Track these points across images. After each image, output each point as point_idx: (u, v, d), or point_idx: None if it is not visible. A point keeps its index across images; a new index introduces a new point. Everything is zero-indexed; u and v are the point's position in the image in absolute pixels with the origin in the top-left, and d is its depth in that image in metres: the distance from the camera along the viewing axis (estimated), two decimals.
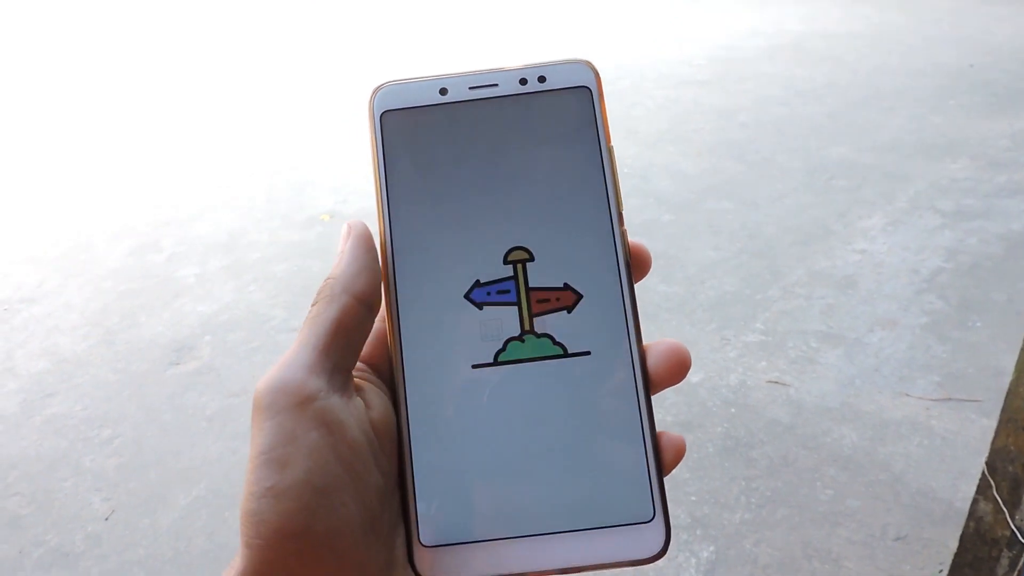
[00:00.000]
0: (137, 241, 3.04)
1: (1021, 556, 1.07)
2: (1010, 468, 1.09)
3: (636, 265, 0.30)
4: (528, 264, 0.29)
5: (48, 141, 4.18)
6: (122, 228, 3.15)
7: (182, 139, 4.04)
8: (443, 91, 0.31)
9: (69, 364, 2.35)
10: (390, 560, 0.27)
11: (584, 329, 0.29)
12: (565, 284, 0.29)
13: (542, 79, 0.31)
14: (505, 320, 0.29)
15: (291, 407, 0.25)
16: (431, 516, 0.28)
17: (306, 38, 5.68)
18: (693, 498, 1.68)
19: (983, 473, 1.15)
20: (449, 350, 0.29)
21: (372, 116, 0.32)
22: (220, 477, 1.88)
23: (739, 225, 2.70)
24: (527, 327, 0.29)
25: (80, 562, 1.70)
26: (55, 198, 3.47)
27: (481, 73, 0.32)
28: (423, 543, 0.28)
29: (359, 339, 0.28)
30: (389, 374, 0.30)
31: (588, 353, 0.29)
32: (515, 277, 0.29)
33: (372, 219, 0.32)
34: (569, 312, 0.29)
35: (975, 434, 1.74)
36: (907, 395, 1.88)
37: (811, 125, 3.43)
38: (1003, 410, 1.09)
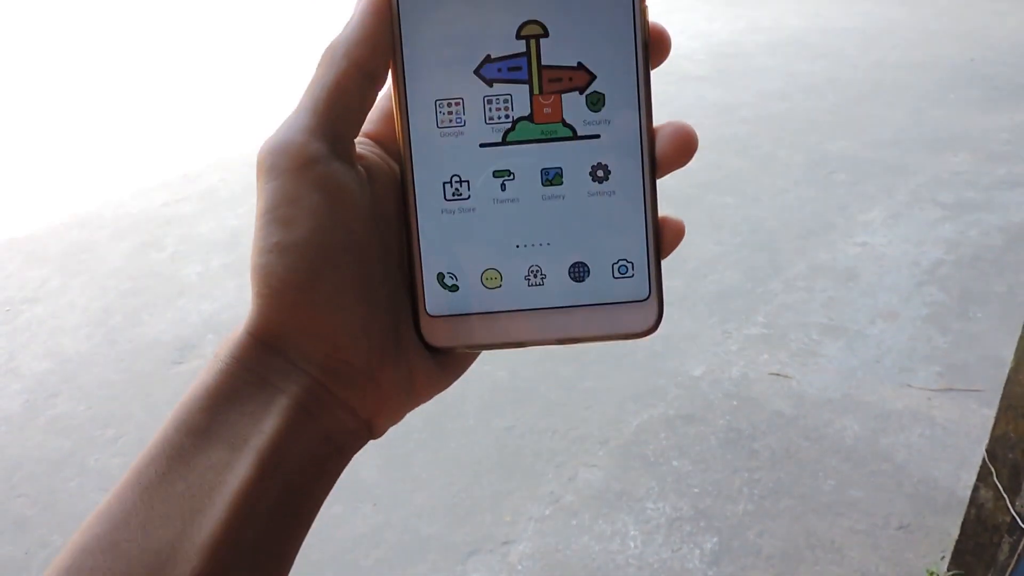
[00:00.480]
0: (140, 239, 3.05)
1: (1021, 541, 1.07)
2: (1010, 455, 1.10)
3: (656, 48, 0.29)
4: (542, 40, 0.28)
5: (50, 139, 4.19)
6: (125, 227, 3.16)
7: (185, 137, 4.04)
8: None
9: (72, 364, 2.35)
10: (384, 329, 0.28)
11: (595, 112, 0.28)
12: (579, 63, 0.28)
13: None
14: (516, 98, 0.28)
15: (294, 169, 0.26)
16: (436, 287, 0.28)
17: (311, 35, 5.68)
18: (696, 490, 1.69)
19: (984, 460, 1.16)
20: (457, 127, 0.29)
21: None
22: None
23: (740, 219, 2.71)
24: (538, 106, 0.28)
25: None
26: (57, 197, 3.47)
27: None
28: (429, 312, 0.28)
29: (360, 106, 0.28)
30: (396, 148, 0.29)
31: (597, 136, 0.29)
32: (527, 53, 0.28)
33: None
34: (581, 93, 0.28)
35: (976, 423, 1.74)
36: (908, 386, 1.89)
37: (812, 119, 3.43)
38: (1003, 397, 1.09)
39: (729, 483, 1.70)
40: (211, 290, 2.66)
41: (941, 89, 3.57)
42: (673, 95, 3.83)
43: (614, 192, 0.29)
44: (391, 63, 0.28)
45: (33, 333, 2.53)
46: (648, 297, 0.29)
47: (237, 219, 3.14)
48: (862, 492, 1.62)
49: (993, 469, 1.12)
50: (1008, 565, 1.09)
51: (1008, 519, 1.10)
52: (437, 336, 0.28)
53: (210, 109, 4.45)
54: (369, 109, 0.28)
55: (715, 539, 1.58)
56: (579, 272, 0.29)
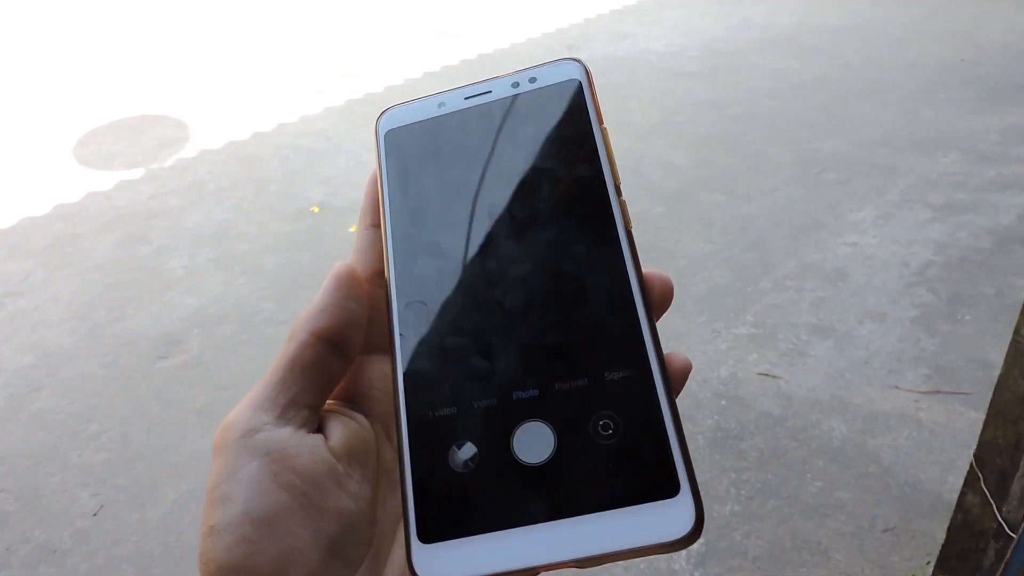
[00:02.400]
0: (125, 233, 3.01)
1: (1008, 548, 1.07)
2: (998, 461, 1.10)
3: (659, 300, 0.29)
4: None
5: (33, 130, 4.13)
6: (110, 220, 3.12)
7: (169, 128, 4.00)
8: (441, 105, 0.33)
9: (56, 358, 2.33)
10: None
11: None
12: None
13: (533, 80, 0.33)
14: None
15: (234, 441, 0.25)
16: (426, 513, 0.26)
17: (298, 29, 5.64)
18: None
19: (971, 466, 1.15)
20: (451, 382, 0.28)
21: (377, 138, 0.34)
22: (209, 471, 1.87)
23: (730, 218, 2.70)
24: None
25: (68, 559, 1.69)
26: (41, 189, 3.43)
27: (476, 83, 0.33)
28: (420, 541, 0.25)
29: (320, 375, 0.28)
30: (392, 409, 0.29)
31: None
32: None
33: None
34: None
35: (963, 426, 1.75)
36: (896, 388, 1.89)
37: (803, 118, 3.43)
38: (992, 403, 1.09)
39: (716, 483, 1.70)
40: (197, 284, 2.64)
41: (932, 89, 3.57)
42: (664, 92, 3.82)
43: (623, 382, 0.27)
44: (386, 304, 0.30)
45: (16, 327, 2.50)
46: (679, 492, 0.24)
47: (224, 213, 3.11)
48: (849, 494, 1.62)
49: (981, 475, 1.12)
50: (994, 571, 1.09)
51: (995, 525, 1.09)
52: (432, 567, 0.25)
53: (197, 101, 4.41)
54: (339, 376, 0.29)
55: (702, 540, 1.57)
56: (590, 475, 0.26)
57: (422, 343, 0.29)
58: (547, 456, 0.26)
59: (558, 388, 0.27)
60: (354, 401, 0.30)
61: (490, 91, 0.33)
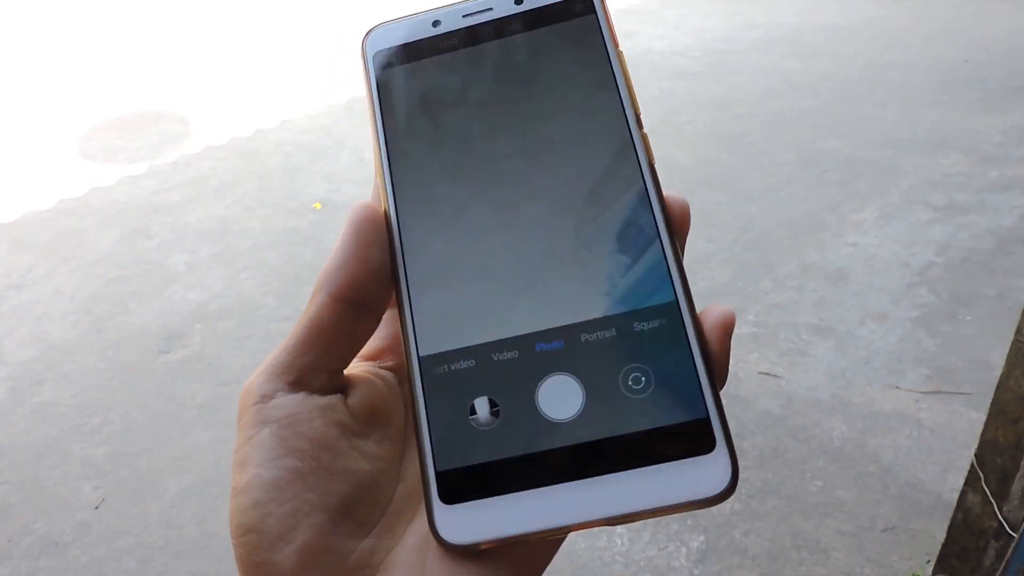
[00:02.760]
0: (127, 227, 3.02)
1: (1008, 547, 1.08)
2: (999, 460, 1.10)
3: (679, 226, 0.28)
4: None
5: (36, 125, 4.14)
6: (113, 214, 3.13)
7: (172, 123, 4.01)
8: (436, 23, 0.30)
9: (58, 352, 2.33)
10: (377, 546, 0.26)
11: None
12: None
13: None
14: None
15: (249, 408, 0.26)
16: (449, 474, 0.25)
17: (301, 26, 5.64)
18: None
19: (972, 465, 1.16)
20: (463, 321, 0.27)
21: (364, 60, 0.30)
22: (210, 465, 1.88)
23: (732, 217, 2.71)
24: None
25: (69, 551, 1.70)
26: (44, 183, 3.44)
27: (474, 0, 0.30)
28: (443, 502, 0.24)
29: (341, 337, 0.27)
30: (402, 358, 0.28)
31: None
32: None
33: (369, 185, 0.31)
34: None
35: (963, 426, 1.75)
36: (897, 387, 1.89)
37: (805, 118, 3.44)
38: (993, 403, 1.09)
39: None
40: (199, 279, 2.64)
41: (935, 90, 3.57)
42: (667, 91, 3.82)
43: (656, 333, 0.26)
44: (391, 258, 0.27)
45: (19, 320, 2.50)
46: (714, 448, 0.23)
47: (226, 208, 3.11)
48: (849, 493, 1.63)
49: (981, 474, 1.12)
50: (994, 571, 1.10)
51: (995, 524, 1.10)
52: (455, 531, 0.24)
53: (200, 96, 4.41)
54: (365, 335, 0.27)
55: (701, 538, 1.58)
56: (622, 428, 0.25)
57: (434, 291, 0.27)
58: (575, 412, 0.24)
59: (584, 339, 0.25)
60: (383, 357, 0.29)
61: (491, 7, 0.30)
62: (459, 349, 0.26)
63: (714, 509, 1.63)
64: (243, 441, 0.25)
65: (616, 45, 0.29)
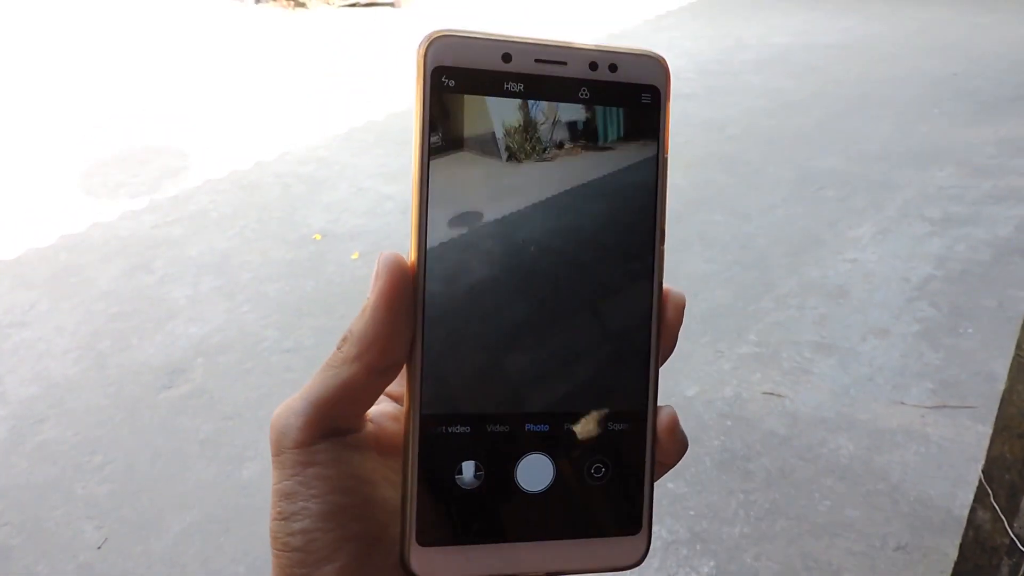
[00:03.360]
0: (129, 263, 3.02)
1: (1021, 564, 1.06)
2: (1007, 476, 1.09)
3: (671, 320, 0.31)
4: None
5: (37, 161, 4.16)
6: (114, 249, 3.14)
7: (172, 158, 4.03)
8: (506, 57, 0.28)
9: (60, 389, 2.33)
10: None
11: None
12: None
13: (613, 67, 0.29)
14: None
15: (289, 451, 0.28)
16: (427, 520, 0.28)
17: (297, 58, 5.70)
18: (692, 512, 1.67)
19: (980, 481, 1.15)
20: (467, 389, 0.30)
21: (423, 70, 0.28)
22: (214, 502, 1.87)
23: (730, 237, 2.71)
24: None
25: None
26: (45, 220, 3.45)
27: (550, 46, 0.28)
28: (419, 543, 0.28)
29: (366, 397, 0.30)
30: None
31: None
32: None
33: (402, 218, 0.32)
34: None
35: (970, 440, 1.74)
36: (902, 403, 1.88)
37: (799, 136, 3.46)
38: (997, 418, 1.09)
39: (725, 505, 1.69)
40: (200, 313, 2.64)
41: (926, 104, 3.60)
42: None
43: (616, 430, 0.30)
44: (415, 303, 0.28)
45: (21, 358, 2.50)
46: (640, 531, 0.30)
47: (227, 241, 3.12)
48: (858, 512, 1.61)
49: (990, 490, 1.12)
50: None
51: (1007, 541, 1.09)
52: (425, 567, 0.28)
53: (199, 131, 4.44)
54: (380, 393, 0.30)
55: (712, 562, 1.56)
56: (572, 508, 0.29)
57: (445, 356, 0.28)
58: (544, 487, 0.29)
59: (566, 428, 0.29)
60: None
61: (565, 63, 0.28)
62: (458, 415, 0.28)
63: (723, 532, 1.61)
64: (287, 476, 0.28)
65: (666, 150, 0.30)
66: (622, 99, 0.29)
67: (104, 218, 3.43)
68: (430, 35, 0.28)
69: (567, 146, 0.29)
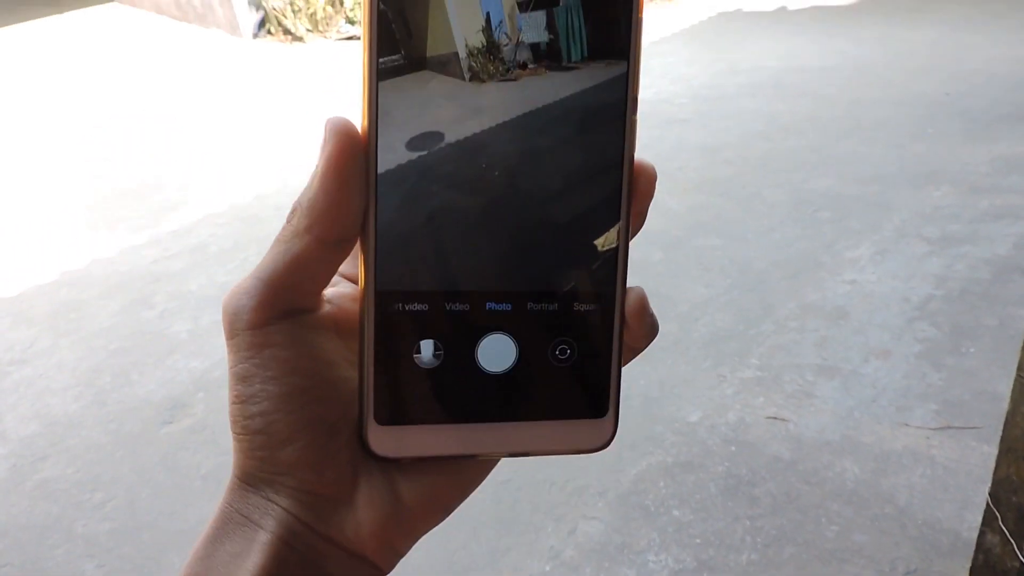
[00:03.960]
0: (129, 298, 3.03)
1: None
2: (1014, 498, 1.09)
3: (643, 192, 0.29)
4: None
5: (36, 196, 4.18)
6: (114, 285, 3.14)
7: (172, 192, 4.05)
8: None
9: (60, 426, 2.32)
10: (349, 456, 0.29)
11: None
12: None
13: None
14: None
15: (244, 332, 0.27)
16: (385, 399, 0.28)
17: (297, 90, 5.75)
18: (698, 541, 1.66)
19: (987, 504, 1.14)
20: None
21: None
22: None
23: (729, 261, 2.72)
24: None
25: None
26: (45, 256, 3.46)
27: None
28: (376, 422, 0.28)
29: (322, 272, 0.28)
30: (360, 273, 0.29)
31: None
32: None
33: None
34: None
35: (976, 461, 1.73)
36: (906, 425, 1.88)
37: (794, 159, 3.48)
38: (1002, 440, 1.09)
39: (731, 532, 1.67)
40: (201, 347, 2.64)
41: (919, 124, 3.63)
42: (656, 138, 3.88)
43: (584, 320, 0.29)
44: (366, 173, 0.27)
45: (20, 395, 2.49)
46: (606, 414, 0.29)
47: (227, 275, 3.13)
48: (866, 537, 1.60)
49: (998, 513, 1.11)
50: None
51: (1017, 564, 1.08)
52: (384, 446, 0.28)
53: (199, 164, 4.47)
54: (339, 263, 0.29)
55: None
56: (533, 388, 0.29)
57: (400, 231, 0.27)
58: (506, 367, 0.28)
59: (529, 308, 0.28)
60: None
61: None
62: (415, 292, 0.27)
63: (730, 560, 1.60)
64: (242, 358, 0.27)
65: (640, 9, 0.28)
66: None
67: (104, 253, 3.44)
68: None
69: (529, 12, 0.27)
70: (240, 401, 0.27)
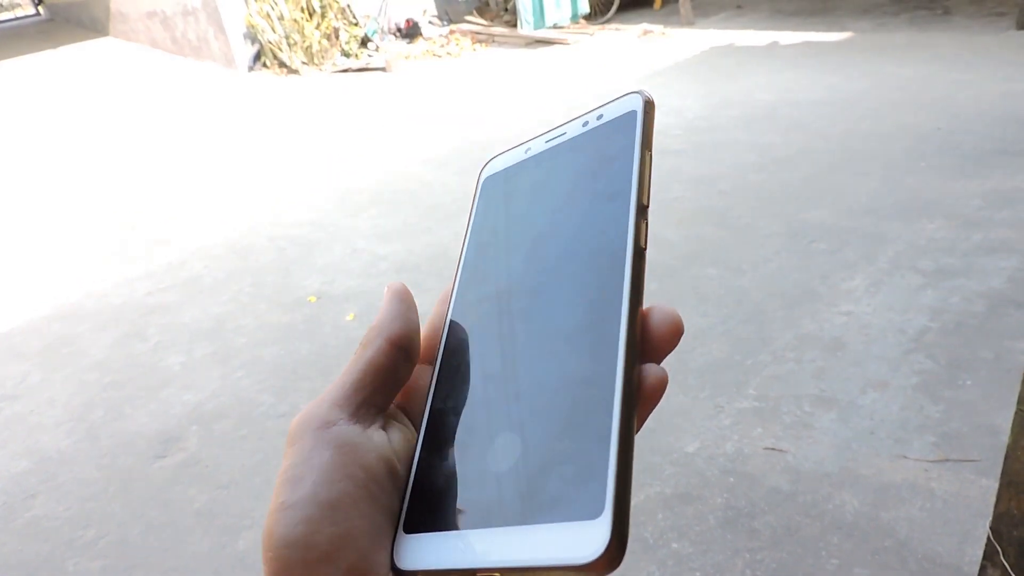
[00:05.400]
0: (121, 331, 3.01)
1: None
2: (1015, 533, 1.08)
3: (667, 339, 0.29)
4: None
5: (29, 230, 4.18)
6: (107, 318, 3.13)
7: (165, 224, 4.06)
8: (528, 150, 0.34)
9: (52, 463, 2.29)
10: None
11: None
12: None
13: (600, 116, 0.33)
14: None
15: (310, 432, 0.28)
16: (415, 506, 0.29)
17: (290, 120, 5.79)
18: (698, 574, 1.64)
19: (988, 538, 1.13)
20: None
21: (477, 186, 0.36)
22: (210, 574, 1.82)
23: (725, 291, 2.72)
24: None
25: None
26: (37, 290, 3.45)
27: (557, 127, 0.34)
28: (404, 531, 0.28)
29: (392, 379, 0.31)
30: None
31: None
32: None
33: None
34: None
35: (975, 495, 1.72)
36: (905, 457, 1.87)
37: (789, 190, 3.51)
38: (1003, 473, 1.08)
39: (731, 566, 1.65)
40: (194, 380, 2.62)
41: (911, 158, 3.67)
42: (653, 169, 3.90)
43: (580, 391, 0.29)
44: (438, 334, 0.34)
45: (12, 432, 2.47)
46: (600, 515, 0.23)
47: (220, 307, 3.12)
48: (867, 571, 1.58)
49: (999, 548, 1.10)
50: None
51: None
52: (404, 559, 0.28)
53: (192, 196, 4.48)
54: (405, 380, 0.32)
55: None
56: (524, 488, 0.27)
57: (449, 390, 0.32)
58: (501, 479, 0.28)
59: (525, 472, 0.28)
60: (405, 406, 0.33)
61: (565, 132, 0.34)
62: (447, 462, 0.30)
63: None
64: (300, 460, 0.27)
65: (649, 148, 0.32)
66: (605, 134, 0.33)
67: (97, 287, 3.43)
68: (489, 159, 0.36)
69: (563, 190, 0.32)
70: (281, 508, 0.26)
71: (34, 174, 5.19)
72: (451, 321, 0.33)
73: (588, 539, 0.23)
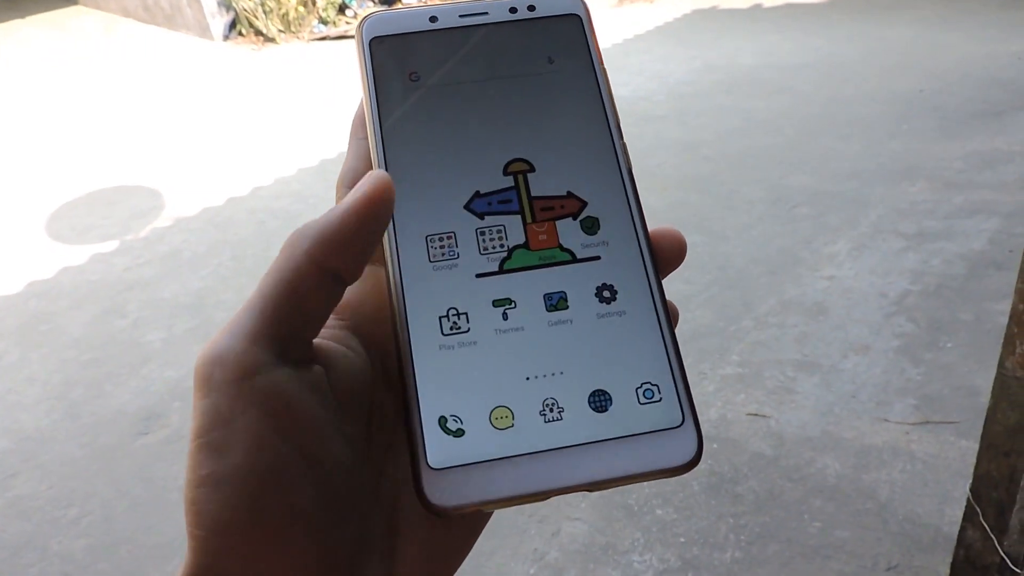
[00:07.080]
0: (100, 307, 2.97)
1: None
2: (994, 494, 1.09)
3: (669, 257, 0.30)
4: (529, 175, 0.29)
5: (2, 204, 4.10)
6: (84, 294, 3.08)
7: (143, 198, 3.99)
8: (433, 19, 0.31)
9: (32, 441, 2.27)
10: (364, 533, 0.24)
11: (591, 235, 0.29)
12: (568, 192, 0.29)
13: (531, 7, 0.32)
14: (509, 228, 0.28)
15: (228, 382, 0.22)
16: (439, 435, 0.25)
17: (265, 91, 5.69)
18: (682, 539, 1.65)
19: (968, 500, 1.14)
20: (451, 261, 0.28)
21: (361, 43, 0.31)
22: None
23: (709, 257, 2.72)
24: (532, 234, 0.29)
25: None
26: (12, 267, 3.39)
27: (471, 2, 0.32)
28: (431, 466, 0.25)
29: (321, 307, 0.25)
30: (386, 291, 0.27)
31: (598, 258, 0.28)
32: (516, 187, 0.29)
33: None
34: (575, 219, 0.29)
35: (955, 456, 1.74)
36: (886, 420, 1.88)
37: (772, 155, 3.50)
38: (983, 436, 1.09)
39: (715, 530, 1.67)
40: (176, 356, 2.60)
41: (894, 120, 3.66)
42: (635, 136, 3.88)
43: (624, 312, 0.28)
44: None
45: None
46: (682, 423, 0.26)
47: (201, 281, 3.08)
48: (848, 533, 1.60)
49: (979, 509, 1.11)
50: None
51: (997, 559, 1.08)
52: (443, 494, 0.24)
53: (169, 169, 4.41)
54: (334, 307, 0.25)
55: None
56: (600, 402, 0.26)
57: (424, 278, 0.27)
58: (557, 382, 0.26)
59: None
60: (344, 316, 0.28)
61: (486, 12, 0.31)
62: (454, 329, 0.27)
63: (715, 559, 1.59)
64: (220, 422, 0.22)
65: (600, 62, 0.31)
66: (546, 30, 0.31)
67: (73, 262, 3.38)
68: (364, 14, 0.32)
69: (506, 78, 0.30)
70: (206, 483, 0.22)
71: (2, 148, 5.08)
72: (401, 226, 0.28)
73: (677, 444, 0.26)
